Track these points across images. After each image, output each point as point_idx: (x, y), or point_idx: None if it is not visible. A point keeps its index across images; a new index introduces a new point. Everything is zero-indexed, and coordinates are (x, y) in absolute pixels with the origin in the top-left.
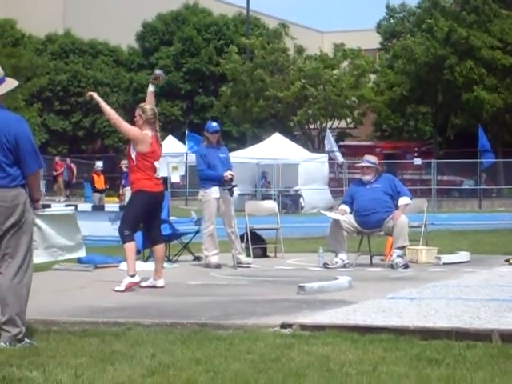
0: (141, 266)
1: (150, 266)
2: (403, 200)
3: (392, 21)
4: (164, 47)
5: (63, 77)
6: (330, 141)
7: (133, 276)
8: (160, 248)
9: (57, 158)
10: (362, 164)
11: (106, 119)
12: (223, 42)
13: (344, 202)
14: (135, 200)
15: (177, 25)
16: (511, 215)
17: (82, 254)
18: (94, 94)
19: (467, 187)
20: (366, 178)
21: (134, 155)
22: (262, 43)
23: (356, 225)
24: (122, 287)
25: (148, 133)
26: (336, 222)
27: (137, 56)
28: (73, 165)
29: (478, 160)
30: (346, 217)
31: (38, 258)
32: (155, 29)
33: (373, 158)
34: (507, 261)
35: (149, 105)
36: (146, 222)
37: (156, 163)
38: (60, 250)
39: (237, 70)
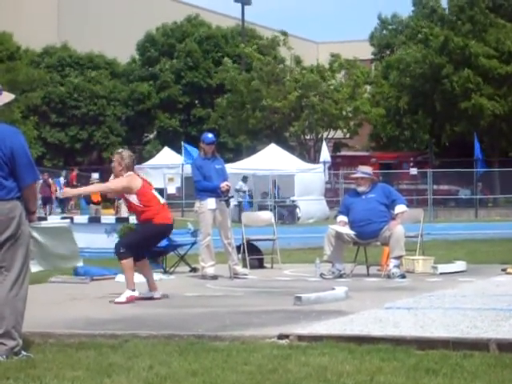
0: (138, 278)
1: None
2: (399, 208)
3: (385, 32)
4: (164, 59)
5: (61, 89)
6: (324, 152)
7: (133, 290)
8: (144, 263)
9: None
10: (357, 175)
11: (103, 132)
12: (221, 54)
13: (340, 213)
14: (143, 229)
15: (176, 37)
16: (507, 224)
17: (79, 263)
18: (68, 191)
19: (463, 197)
20: (361, 189)
21: (135, 200)
22: (257, 55)
23: (352, 233)
24: (123, 299)
25: (129, 173)
26: (335, 232)
27: (137, 67)
28: (50, 180)
29: (474, 169)
30: (346, 228)
31: (36, 267)
32: (156, 40)
33: (367, 169)
34: (504, 270)
35: (126, 151)
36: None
37: (153, 191)
38: (57, 259)
39: (235, 79)
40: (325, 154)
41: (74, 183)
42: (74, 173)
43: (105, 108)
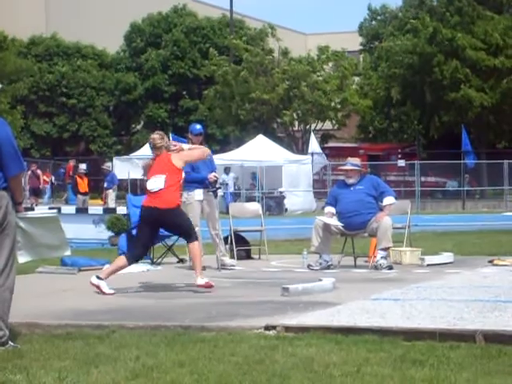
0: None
1: (135, 268)
2: (387, 200)
3: (374, 22)
4: (151, 48)
5: (49, 77)
6: (313, 143)
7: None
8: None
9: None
10: (346, 167)
11: (90, 124)
12: (209, 45)
13: (328, 204)
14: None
15: (163, 27)
16: (495, 216)
17: (67, 252)
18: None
19: (450, 188)
20: (351, 181)
21: None
22: (245, 46)
23: (340, 225)
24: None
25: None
26: (322, 223)
27: (125, 57)
28: (39, 171)
29: (462, 161)
30: (334, 219)
31: (23, 257)
32: (142, 30)
33: (356, 161)
34: (491, 261)
35: (152, 136)
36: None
37: (153, 178)
38: (45, 249)
39: (226, 72)
40: (314, 145)
41: (71, 174)
42: (71, 163)
43: (94, 99)
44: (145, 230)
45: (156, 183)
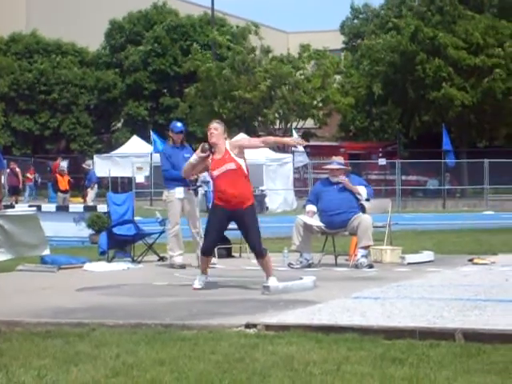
0: (105, 266)
1: (115, 266)
2: (362, 189)
3: (356, 21)
4: (131, 46)
5: (29, 75)
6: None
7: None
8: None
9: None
10: (332, 166)
11: (71, 122)
12: (189, 42)
13: (309, 201)
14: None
15: (144, 24)
16: (475, 215)
17: (46, 251)
18: None
19: (431, 187)
20: (336, 179)
21: (244, 166)
22: (228, 43)
23: (321, 225)
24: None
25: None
26: (303, 222)
27: (105, 54)
28: (18, 169)
29: (442, 160)
30: (315, 218)
31: (3, 255)
32: (122, 27)
33: (341, 159)
34: (471, 260)
35: (216, 123)
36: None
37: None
38: (25, 248)
39: (210, 68)
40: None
41: (57, 171)
42: (58, 161)
43: (77, 96)
44: None
45: None
